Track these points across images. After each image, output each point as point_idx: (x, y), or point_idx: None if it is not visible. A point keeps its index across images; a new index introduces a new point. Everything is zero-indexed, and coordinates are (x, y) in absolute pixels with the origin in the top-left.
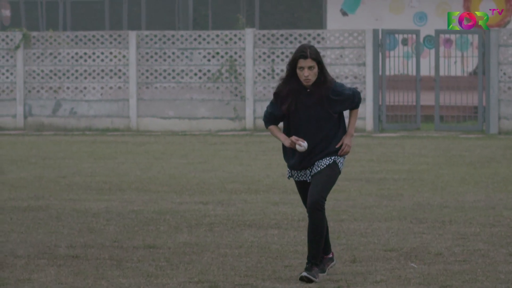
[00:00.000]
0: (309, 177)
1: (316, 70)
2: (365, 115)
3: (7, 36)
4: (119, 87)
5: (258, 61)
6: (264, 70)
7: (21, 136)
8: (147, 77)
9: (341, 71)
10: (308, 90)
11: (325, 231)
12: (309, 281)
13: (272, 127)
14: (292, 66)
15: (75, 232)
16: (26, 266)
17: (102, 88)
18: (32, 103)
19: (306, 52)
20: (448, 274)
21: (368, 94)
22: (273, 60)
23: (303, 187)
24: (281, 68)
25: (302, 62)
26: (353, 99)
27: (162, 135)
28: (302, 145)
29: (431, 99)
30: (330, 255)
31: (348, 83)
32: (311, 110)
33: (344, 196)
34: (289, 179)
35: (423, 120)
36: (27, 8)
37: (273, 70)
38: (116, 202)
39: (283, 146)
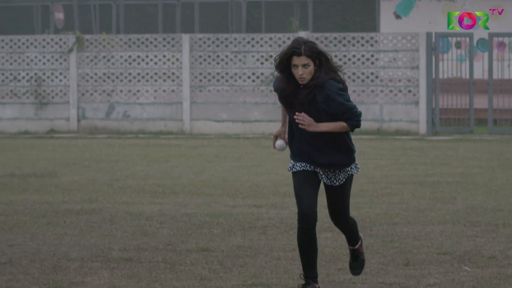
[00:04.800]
0: (322, 177)
1: (311, 67)
2: (418, 118)
3: (60, 39)
4: (173, 90)
5: None
6: None
7: (74, 139)
8: (200, 80)
9: (394, 74)
10: (301, 87)
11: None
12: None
13: (283, 108)
14: (284, 61)
15: (129, 235)
16: (79, 269)
17: (155, 91)
18: (85, 106)
19: (300, 49)
20: (502, 278)
21: (421, 97)
22: None
23: (307, 176)
24: None
25: (295, 60)
26: (345, 112)
27: (216, 138)
28: (277, 145)
29: (484, 102)
30: (357, 246)
31: (401, 86)
32: (305, 109)
33: (397, 199)
34: (290, 170)
35: (477, 123)
36: (80, 11)
37: None
38: (169, 205)
39: (288, 136)
